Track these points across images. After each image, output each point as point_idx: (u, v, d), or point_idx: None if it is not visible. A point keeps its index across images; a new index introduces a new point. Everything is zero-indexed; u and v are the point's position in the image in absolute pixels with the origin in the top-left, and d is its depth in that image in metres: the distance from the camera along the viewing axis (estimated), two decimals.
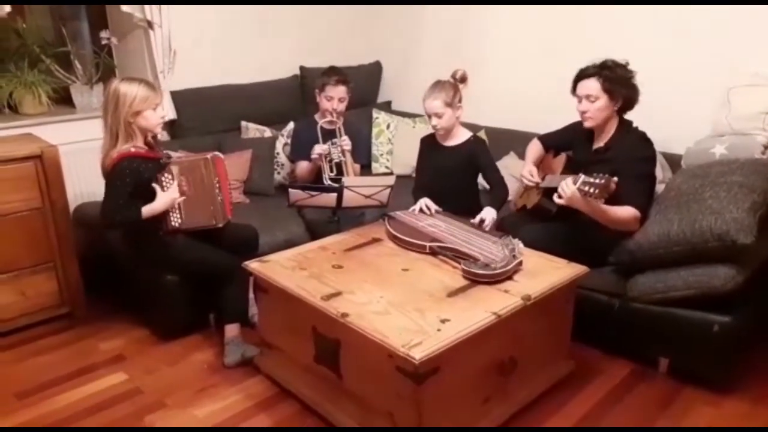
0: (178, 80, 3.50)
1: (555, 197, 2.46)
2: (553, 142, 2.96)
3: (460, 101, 2.79)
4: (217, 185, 2.61)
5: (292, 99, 4.03)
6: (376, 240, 2.65)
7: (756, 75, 2.75)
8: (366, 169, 3.81)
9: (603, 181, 2.28)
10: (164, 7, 3.30)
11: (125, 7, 3.24)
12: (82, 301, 3.00)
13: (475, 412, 2.13)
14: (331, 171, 3.13)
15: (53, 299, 2.92)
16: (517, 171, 3.04)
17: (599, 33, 3.35)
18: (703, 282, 2.29)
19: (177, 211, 2.59)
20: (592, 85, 2.57)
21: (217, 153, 2.69)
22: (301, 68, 4.11)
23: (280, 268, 2.39)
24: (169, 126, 3.55)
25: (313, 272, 2.34)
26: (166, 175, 2.55)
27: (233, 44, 3.80)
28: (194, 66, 3.57)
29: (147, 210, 2.49)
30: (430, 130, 2.90)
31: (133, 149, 2.49)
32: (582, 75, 2.62)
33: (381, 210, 2.93)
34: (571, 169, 2.74)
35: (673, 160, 3.00)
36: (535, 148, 2.98)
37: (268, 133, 3.75)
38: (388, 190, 2.83)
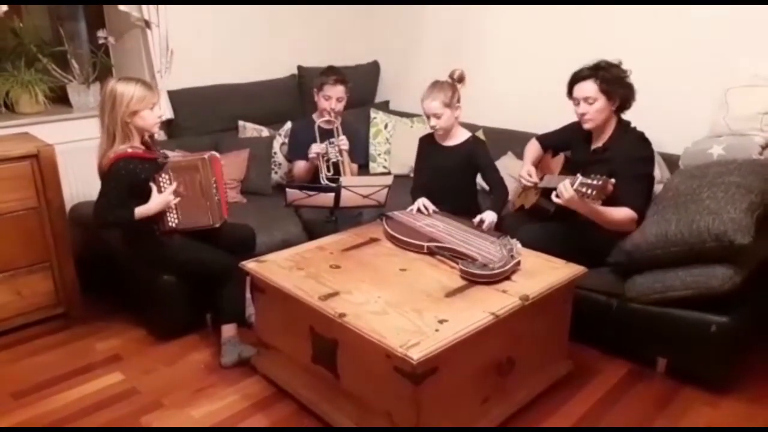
0: (175, 80, 3.49)
1: (553, 196, 2.46)
2: (552, 142, 2.96)
3: (458, 101, 2.78)
4: (215, 185, 2.61)
5: (290, 98, 4.02)
6: (373, 240, 2.64)
7: (754, 76, 2.75)
8: (364, 169, 3.81)
9: (600, 182, 2.28)
10: (162, 6, 3.29)
11: (123, 7, 3.24)
12: (79, 301, 2.99)
13: (473, 412, 2.13)
14: (329, 171, 3.13)
15: (49, 299, 2.91)
16: (516, 171, 3.04)
17: (598, 33, 3.35)
18: (701, 282, 2.29)
19: (174, 212, 2.58)
20: (589, 87, 2.56)
21: (214, 153, 2.68)
22: (299, 68, 4.10)
23: (277, 268, 2.39)
24: (167, 125, 3.54)
25: (311, 272, 2.34)
26: (163, 175, 2.54)
27: (231, 43, 3.80)
28: (191, 65, 3.56)
29: (140, 211, 2.48)
30: (429, 130, 2.90)
31: (129, 149, 2.48)
32: (577, 77, 2.61)
33: (379, 210, 2.93)
34: (569, 169, 2.74)
35: (671, 161, 3.00)
36: (533, 148, 2.98)
37: (265, 132, 3.75)
38: (386, 190, 2.83)
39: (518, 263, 2.33)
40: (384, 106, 4.41)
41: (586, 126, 2.64)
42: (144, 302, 2.85)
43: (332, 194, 2.77)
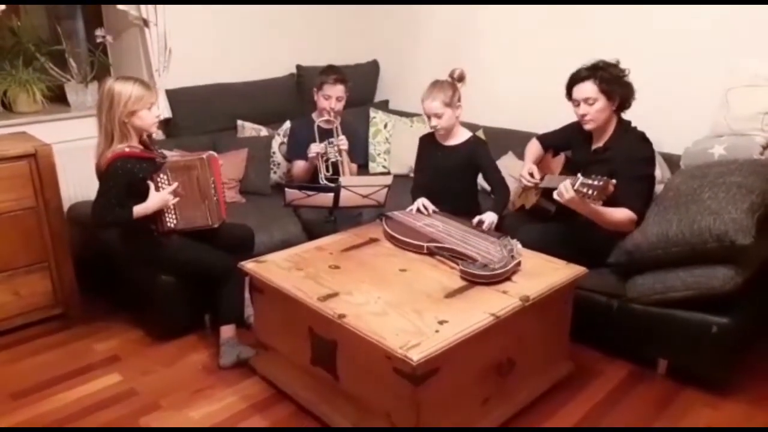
0: (173, 79, 3.48)
1: (554, 195, 2.45)
2: (552, 142, 2.95)
3: (459, 100, 2.77)
4: (213, 185, 2.60)
5: (289, 98, 4.01)
6: (373, 240, 2.63)
7: (755, 75, 2.74)
8: (363, 169, 3.80)
9: (601, 183, 2.27)
10: (160, 5, 3.28)
11: (121, 6, 3.23)
12: (77, 301, 2.98)
13: (473, 413, 2.12)
14: (328, 171, 3.12)
15: (47, 299, 2.90)
16: (516, 171, 3.03)
17: (598, 33, 3.34)
18: (701, 283, 2.28)
19: (172, 212, 2.57)
20: (588, 88, 2.55)
21: (212, 152, 2.67)
22: (298, 67, 4.09)
23: (276, 268, 2.38)
24: (165, 125, 3.53)
25: (310, 273, 2.33)
26: (161, 175, 2.53)
27: (229, 42, 3.78)
28: (190, 64, 3.55)
29: (139, 210, 2.47)
30: (428, 130, 2.89)
31: (127, 149, 2.47)
32: (576, 79, 2.60)
33: (378, 210, 2.92)
34: (569, 169, 2.73)
35: (672, 161, 2.99)
36: (534, 148, 2.97)
37: (264, 132, 3.74)
38: (386, 190, 2.82)
39: (518, 264, 2.32)
40: (383, 106, 4.40)
41: (587, 127, 2.63)
42: (142, 303, 2.83)
43: (331, 194, 2.76)
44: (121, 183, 2.44)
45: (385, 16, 4.37)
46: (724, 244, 2.21)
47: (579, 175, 2.36)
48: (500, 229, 2.69)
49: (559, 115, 2.85)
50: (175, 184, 2.53)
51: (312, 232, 3.03)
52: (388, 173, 3.67)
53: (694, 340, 2.35)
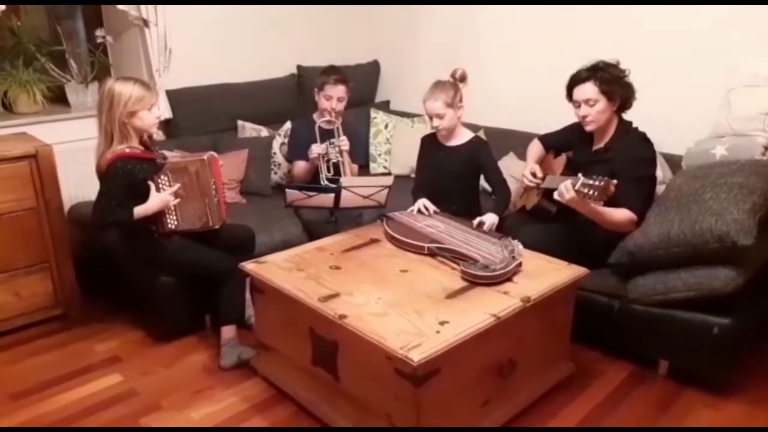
0: (173, 79, 3.48)
1: (555, 195, 2.44)
2: (553, 142, 2.94)
3: (461, 101, 2.76)
4: (213, 186, 2.59)
5: (290, 98, 4.01)
6: (374, 241, 2.63)
7: (756, 76, 2.74)
8: (364, 170, 3.80)
9: (602, 183, 2.27)
10: (160, 5, 3.28)
11: (121, 6, 3.23)
12: (78, 301, 2.98)
13: (474, 414, 2.12)
14: (329, 171, 3.11)
15: (48, 300, 2.90)
16: (517, 171, 3.03)
17: (598, 33, 3.33)
18: (703, 284, 2.28)
19: (173, 213, 2.57)
20: (589, 89, 2.55)
21: (212, 153, 2.67)
22: (299, 67, 4.09)
23: (276, 269, 2.37)
24: (165, 125, 3.53)
25: (311, 273, 2.32)
26: (162, 177, 2.52)
27: (229, 43, 3.78)
28: (190, 64, 3.55)
29: (140, 210, 2.46)
30: (430, 130, 2.88)
31: (128, 150, 2.46)
32: (576, 80, 2.60)
33: (379, 211, 2.91)
34: (570, 169, 2.73)
35: (674, 161, 2.98)
36: (536, 148, 2.97)
37: (264, 132, 3.73)
38: (386, 191, 2.82)
39: (519, 264, 2.31)
40: (384, 106, 4.40)
41: (589, 128, 2.62)
42: (143, 303, 2.83)
43: (332, 195, 2.76)
44: (121, 184, 2.44)
45: (385, 16, 4.37)
46: (725, 245, 2.20)
47: (580, 175, 2.36)
48: (501, 230, 2.69)
49: (559, 116, 2.85)
50: (176, 185, 2.53)
51: (313, 233, 3.02)
52: (389, 174, 3.66)
53: (695, 341, 2.35)
